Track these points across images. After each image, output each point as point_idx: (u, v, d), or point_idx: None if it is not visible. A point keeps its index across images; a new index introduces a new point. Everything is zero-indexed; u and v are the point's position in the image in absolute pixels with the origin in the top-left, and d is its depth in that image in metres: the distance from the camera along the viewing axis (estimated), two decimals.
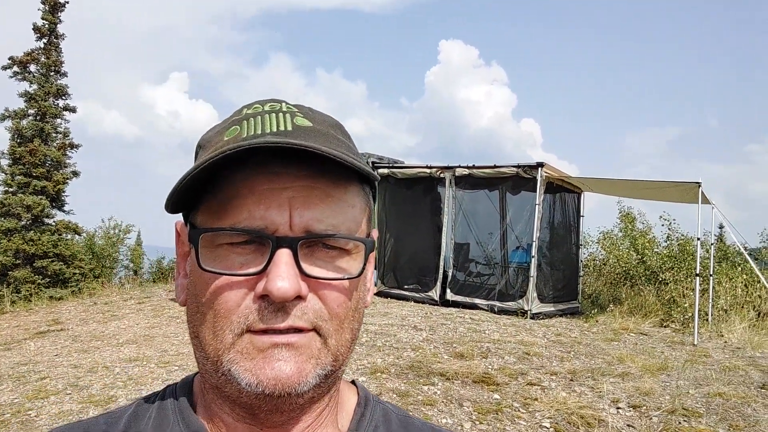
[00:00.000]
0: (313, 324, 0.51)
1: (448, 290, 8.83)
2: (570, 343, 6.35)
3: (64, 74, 14.54)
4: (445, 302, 8.74)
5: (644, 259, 10.95)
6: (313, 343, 0.51)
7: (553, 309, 8.53)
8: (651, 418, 4.03)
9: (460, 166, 8.91)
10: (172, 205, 0.54)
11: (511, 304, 8.23)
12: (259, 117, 0.54)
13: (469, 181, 8.93)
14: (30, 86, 13.99)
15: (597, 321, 8.13)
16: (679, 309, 8.23)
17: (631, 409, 4.22)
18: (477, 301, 8.57)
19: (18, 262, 12.51)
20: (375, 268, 7.90)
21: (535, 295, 8.15)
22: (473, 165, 8.81)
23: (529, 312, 7.96)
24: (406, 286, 9.45)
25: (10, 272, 12.27)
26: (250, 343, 0.49)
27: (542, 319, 8.04)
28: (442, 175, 9.11)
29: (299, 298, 0.50)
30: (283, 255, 0.49)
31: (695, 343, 6.72)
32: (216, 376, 0.52)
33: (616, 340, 6.82)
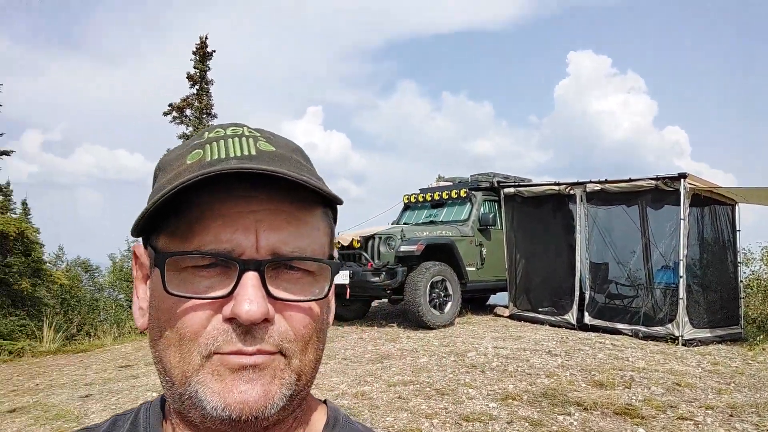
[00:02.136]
0: (278, 347, 0.51)
1: (586, 313, 8.32)
2: (730, 374, 5.68)
3: (215, 116, 16.18)
4: (582, 326, 8.25)
5: None
6: (276, 364, 0.51)
7: (709, 335, 7.68)
8: None
9: (591, 182, 8.44)
10: (139, 231, 0.55)
11: (658, 329, 7.56)
12: (222, 141, 0.55)
13: (602, 197, 8.41)
14: (186, 128, 15.72)
15: (764, 349, 7.18)
16: None
17: None
18: (619, 325, 7.98)
19: None
20: (506, 290, 7.72)
21: (686, 319, 7.40)
22: (605, 180, 8.29)
23: (680, 338, 7.25)
24: (540, 309, 9.08)
25: None
26: (220, 363, 0.50)
27: (696, 346, 7.27)
28: (572, 192, 8.69)
29: (266, 320, 0.50)
30: (251, 278, 0.50)
31: None
32: (181, 400, 0.52)
33: None
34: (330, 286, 0.56)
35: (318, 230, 0.56)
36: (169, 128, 16.10)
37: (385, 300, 9.21)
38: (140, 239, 0.58)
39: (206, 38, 16.10)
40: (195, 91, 15.91)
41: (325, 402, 0.66)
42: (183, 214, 0.52)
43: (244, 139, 0.55)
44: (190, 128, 15.64)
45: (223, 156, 0.53)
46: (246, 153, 0.53)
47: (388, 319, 9.14)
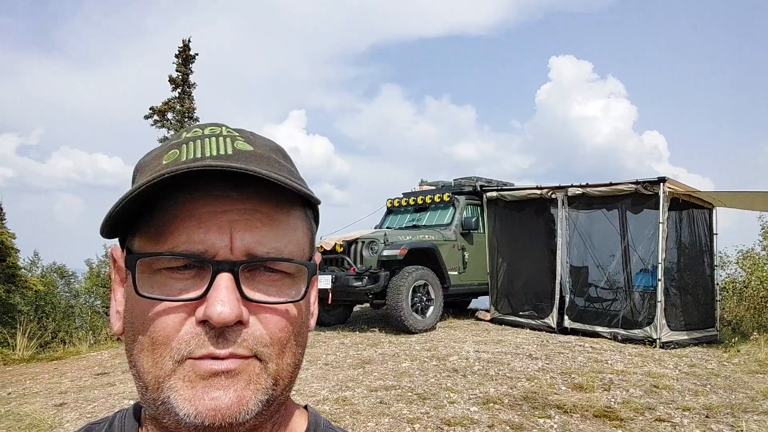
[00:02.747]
0: (253, 351, 0.50)
1: (566, 317, 8.40)
2: (706, 376, 5.76)
3: (197, 119, 16.06)
4: (563, 330, 8.32)
5: None
6: (252, 368, 0.50)
7: (686, 337, 7.79)
8: None
9: (572, 186, 8.53)
10: (107, 231, 0.53)
11: (637, 332, 7.65)
12: (199, 141, 0.54)
13: (584, 201, 8.51)
14: (168, 132, 15.58)
15: (738, 351, 7.30)
16: None
17: None
18: (598, 328, 8.06)
19: None
20: (487, 294, 7.69)
21: (664, 322, 7.50)
22: (587, 183, 8.39)
23: (658, 341, 7.35)
24: (521, 313, 9.13)
25: None
26: (191, 370, 0.48)
27: (673, 348, 7.37)
28: (553, 196, 8.77)
29: (240, 323, 0.49)
30: (224, 279, 0.48)
31: None
32: (155, 406, 0.50)
33: (762, 372, 6.07)
34: (307, 288, 0.54)
35: (296, 231, 0.55)
36: (150, 132, 15.97)
37: (367, 305, 9.19)
38: (117, 241, 0.57)
39: (189, 41, 15.99)
40: (177, 95, 15.79)
41: (306, 407, 0.65)
42: (156, 214, 0.50)
43: (221, 138, 0.54)
44: (172, 132, 15.49)
45: (198, 155, 0.51)
46: (222, 152, 0.52)
47: (369, 323, 9.12)
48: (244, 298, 0.49)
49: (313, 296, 0.60)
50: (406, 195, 10.73)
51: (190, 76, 15.98)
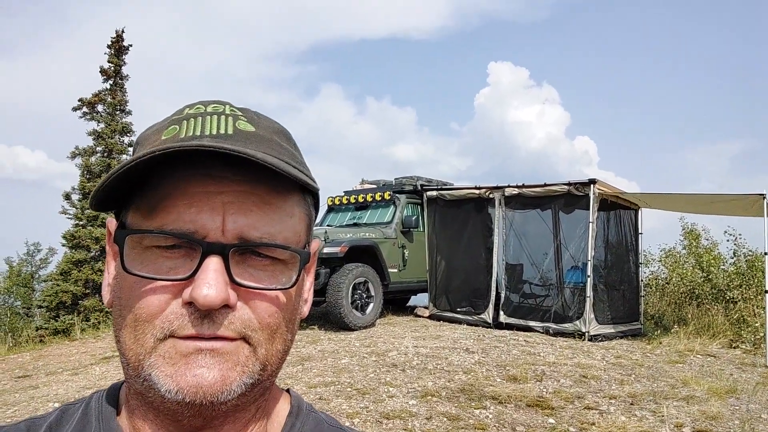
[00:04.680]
0: (240, 333, 0.49)
1: (502, 312, 8.65)
2: (631, 366, 6.08)
3: (129, 113, 15.41)
4: (498, 325, 8.56)
5: (710, 276, 10.40)
6: (241, 351, 0.49)
7: (613, 330, 8.20)
8: None
9: (509, 186, 8.79)
10: (97, 203, 0.52)
11: (567, 326, 7.98)
12: (200, 118, 0.52)
13: (520, 201, 8.79)
14: (98, 125, 14.88)
15: (660, 343, 7.76)
16: (749, 329, 7.74)
17: None
18: (532, 323, 8.35)
19: (87, 291, 13.18)
20: (426, 292, 7.81)
21: (593, 316, 7.86)
22: (523, 184, 8.67)
23: (587, 334, 7.69)
24: (458, 309, 9.32)
25: (80, 301, 12.94)
26: (173, 347, 0.47)
27: (601, 341, 7.74)
28: (491, 196, 9.01)
29: (227, 306, 0.48)
30: (213, 262, 0.47)
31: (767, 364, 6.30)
32: (138, 381, 0.50)
33: (681, 362, 6.48)
34: (299, 276, 0.53)
35: (292, 217, 0.53)
36: (78, 124, 15.21)
37: None
38: (113, 214, 0.56)
39: (122, 32, 15.35)
40: (108, 86, 15.11)
41: (288, 391, 0.65)
42: (151, 190, 0.49)
43: (223, 117, 0.53)
44: (102, 125, 14.82)
45: (198, 133, 0.50)
46: (222, 132, 0.51)
47: (308, 321, 9.05)
48: (233, 282, 0.48)
49: (309, 283, 0.60)
50: (347, 193, 10.72)
51: (123, 68, 15.34)
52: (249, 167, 0.49)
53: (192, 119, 0.52)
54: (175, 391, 0.47)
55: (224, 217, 0.49)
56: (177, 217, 0.48)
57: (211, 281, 0.46)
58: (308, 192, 0.56)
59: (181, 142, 0.49)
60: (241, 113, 0.54)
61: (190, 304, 0.48)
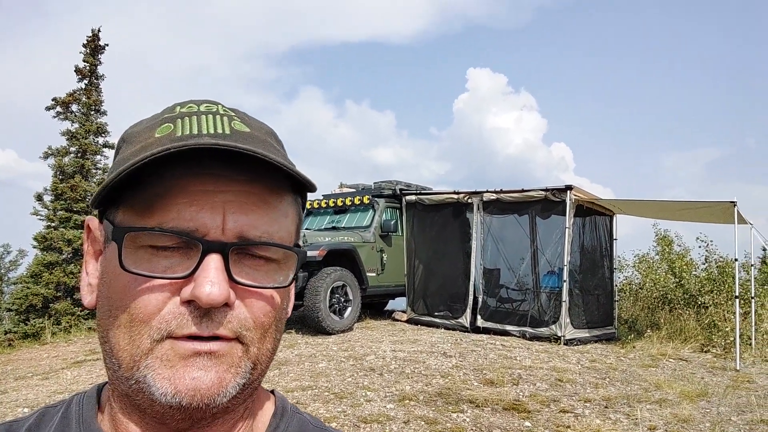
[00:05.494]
0: (236, 333, 0.49)
1: (479, 317, 8.70)
2: (605, 370, 6.17)
3: (104, 113, 15.15)
4: (475, 329, 8.62)
5: (682, 282, 10.61)
6: (235, 351, 0.49)
7: (587, 335, 8.31)
8: None
9: (487, 191, 8.87)
10: (100, 201, 0.51)
11: (543, 330, 8.06)
12: (195, 117, 0.52)
13: (498, 206, 8.87)
14: (72, 125, 14.60)
15: (634, 347, 7.89)
16: (720, 333, 7.92)
17: None
18: (508, 327, 8.42)
19: (59, 294, 12.89)
20: (404, 296, 7.80)
21: (568, 320, 7.97)
22: (501, 189, 8.76)
23: (562, 338, 7.78)
24: (436, 313, 9.36)
25: (51, 304, 12.65)
26: (170, 349, 0.47)
27: (576, 345, 7.84)
28: (469, 201, 9.08)
29: (226, 305, 0.48)
30: (214, 260, 0.47)
31: (737, 368, 6.45)
32: (128, 384, 0.49)
33: (654, 366, 6.60)
34: (294, 275, 0.54)
35: (287, 217, 0.54)
36: (51, 123, 14.90)
37: None
38: (95, 213, 0.55)
39: (99, 31, 15.10)
40: (83, 86, 14.84)
41: (272, 392, 0.65)
42: (146, 188, 0.48)
43: (218, 117, 0.53)
44: (76, 125, 14.54)
45: (195, 132, 0.50)
46: (220, 131, 0.50)
47: (286, 324, 8.96)
48: (232, 280, 0.48)
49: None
50: (326, 197, 10.71)
51: (98, 67, 15.09)
52: (248, 167, 0.49)
53: (187, 117, 0.52)
54: (172, 394, 0.47)
55: (224, 216, 0.49)
56: (176, 215, 0.48)
57: (213, 279, 0.46)
58: (298, 193, 0.57)
59: (180, 140, 0.48)
60: (233, 113, 0.55)
61: (189, 303, 0.47)
